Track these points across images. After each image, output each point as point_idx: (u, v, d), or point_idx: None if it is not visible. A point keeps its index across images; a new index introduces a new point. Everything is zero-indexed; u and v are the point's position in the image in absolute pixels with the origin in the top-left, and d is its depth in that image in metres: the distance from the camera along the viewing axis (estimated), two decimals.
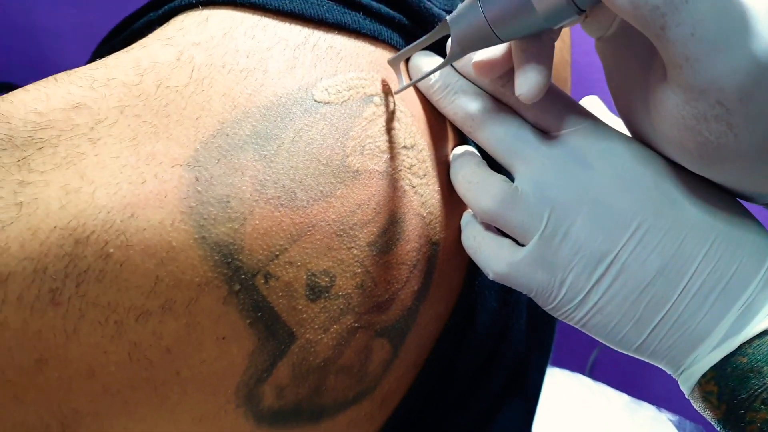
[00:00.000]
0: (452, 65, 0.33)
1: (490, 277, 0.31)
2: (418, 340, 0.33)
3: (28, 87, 0.25)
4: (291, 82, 0.28)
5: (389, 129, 0.30)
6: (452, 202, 0.33)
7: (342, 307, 0.28)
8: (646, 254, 0.28)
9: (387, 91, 0.31)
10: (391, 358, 0.32)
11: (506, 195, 0.30)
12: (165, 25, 0.29)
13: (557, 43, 0.45)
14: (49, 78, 0.25)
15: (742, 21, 0.22)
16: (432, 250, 0.32)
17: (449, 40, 0.30)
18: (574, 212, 0.29)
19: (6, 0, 1.36)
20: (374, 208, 0.29)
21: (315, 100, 0.28)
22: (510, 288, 0.38)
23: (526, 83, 0.28)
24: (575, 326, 0.31)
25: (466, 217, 0.33)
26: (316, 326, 0.28)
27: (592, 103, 0.38)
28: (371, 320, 0.30)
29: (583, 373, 0.78)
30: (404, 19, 0.33)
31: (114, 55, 0.27)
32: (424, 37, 0.30)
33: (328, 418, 0.31)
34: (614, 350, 0.32)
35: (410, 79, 0.33)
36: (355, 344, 0.30)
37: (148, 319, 0.24)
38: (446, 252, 0.33)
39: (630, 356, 0.32)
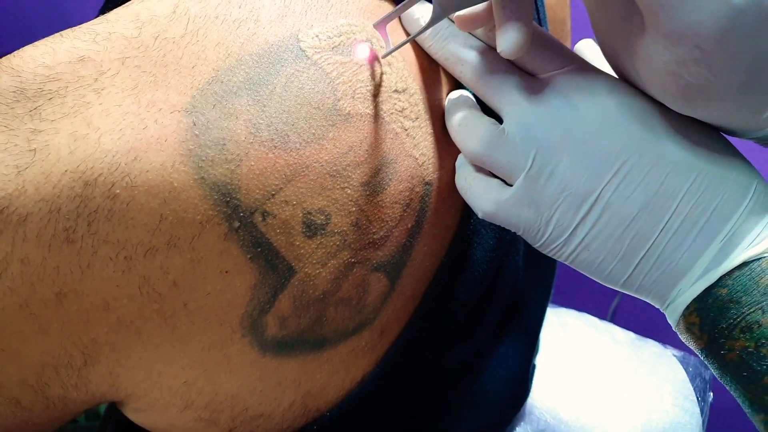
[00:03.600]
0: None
1: (480, 215, 0.33)
2: (414, 275, 0.35)
3: (36, 43, 0.26)
4: (282, 30, 0.29)
5: (380, 73, 0.32)
6: (446, 145, 0.34)
7: (338, 243, 0.30)
8: (630, 191, 0.29)
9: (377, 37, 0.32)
10: (388, 291, 0.33)
11: (493, 136, 0.31)
12: None
13: None
14: (55, 35, 0.27)
15: None
16: (425, 190, 0.33)
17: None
18: (560, 152, 0.30)
19: None
20: (366, 150, 0.30)
21: (306, 47, 0.29)
22: None
23: (508, 40, 0.29)
24: (564, 263, 0.32)
25: (460, 159, 0.35)
26: (314, 261, 0.29)
27: (587, 46, 0.39)
28: (367, 256, 0.31)
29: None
30: None
31: (114, 10, 0.28)
32: (405, 1, 0.31)
33: (330, 347, 0.33)
34: (635, 300, 0.33)
35: (406, 35, 0.34)
36: (352, 278, 0.31)
37: (155, 255, 0.26)
38: (440, 192, 0.34)
39: (651, 307, 0.33)
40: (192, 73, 0.27)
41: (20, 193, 0.24)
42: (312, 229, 0.29)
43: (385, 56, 0.32)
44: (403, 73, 0.33)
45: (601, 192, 0.29)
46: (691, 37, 0.24)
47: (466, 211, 0.37)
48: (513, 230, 0.32)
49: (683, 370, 0.65)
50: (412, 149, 0.32)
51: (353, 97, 0.30)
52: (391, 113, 0.31)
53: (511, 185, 0.32)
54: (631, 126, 0.29)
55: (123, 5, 0.29)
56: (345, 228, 0.30)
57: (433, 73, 0.35)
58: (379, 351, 0.36)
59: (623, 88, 0.30)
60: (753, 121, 0.28)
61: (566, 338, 0.68)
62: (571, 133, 0.30)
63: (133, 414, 0.33)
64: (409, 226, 0.33)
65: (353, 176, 0.30)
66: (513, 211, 0.31)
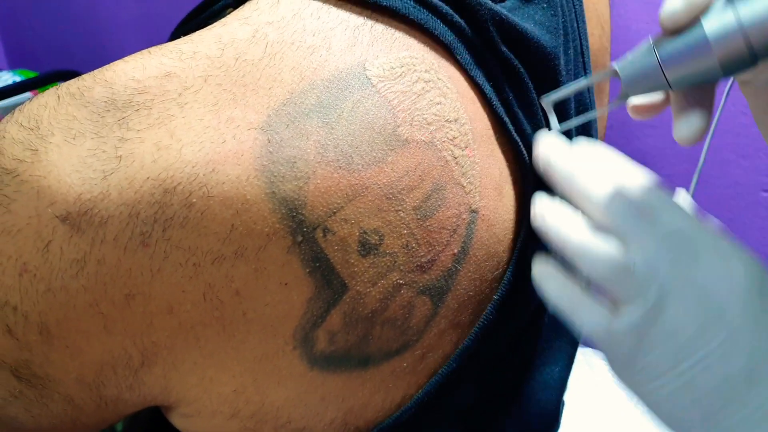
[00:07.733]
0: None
1: (583, 333, 0.32)
2: (458, 300, 0.35)
3: (126, 58, 0.28)
4: (351, 58, 0.31)
5: (436, 103, 0.33)
6: (490, 174, 0.36)
7: (389, 264, 0.31)
8: (732, 353, 0.28)
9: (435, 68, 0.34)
10: (431, 314, 0.34)
11: (619, 266, 0.31)
12: (242, 6, 0.32)
13: (596, 30, 0.47)
14: (144, 51, 0.29)
15: None
16: (471, 218, 0.34)
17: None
18: (678, 296, 0.29)
19: None
20: (420, 175, 0.31)
21: (371, 75, 0.31)
22: None
23: (688, 128, 0.29)
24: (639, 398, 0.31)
25: (541, 259, 0.34)
26: (366, 279, 0.31)
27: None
28: (414, 278, 0.32)
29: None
30: (450, 9, 0.36)
31: (198, 32, 0.30)
32: (585, 81, 0.32)
33: (373, 366, 0.33)
34: None
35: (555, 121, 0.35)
36: (399, 299, 0.32)
37: (222, 263, 0.28)
38: (485, 220, 0.36)
39: None
40: (268, 93, 0.29)
41: (104, 197, 0.26)
42: (366, 248, 0.30)
43: (552, 131, 0.33)
44: (456, 104, 0.34)
45: (706, 347, 0.29)
46: None
47: (518, 241, 0.37)
48: (605, 355, 0.31)
49: None
50: (461, 177, 0.34)
51: (411, 124, 0.31)
52: (443, 141, 0.33)
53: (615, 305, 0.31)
54: (750, 290, 0.29)
55: (205, 28, 0.31)
56: (396, 249, 0.31)
57: (480, 103, 0.37)
58: (419, 374, 0.36)
59: (751, 261, 0.30)
60: None
61: (593, 378, 0.68)
62: (693, 280, 0.29)
63: (179, 419, 0.34)
64: (455, 251, 0.34)
65: (407, 200, 0.31)
66: (619, 341, 0.30)
